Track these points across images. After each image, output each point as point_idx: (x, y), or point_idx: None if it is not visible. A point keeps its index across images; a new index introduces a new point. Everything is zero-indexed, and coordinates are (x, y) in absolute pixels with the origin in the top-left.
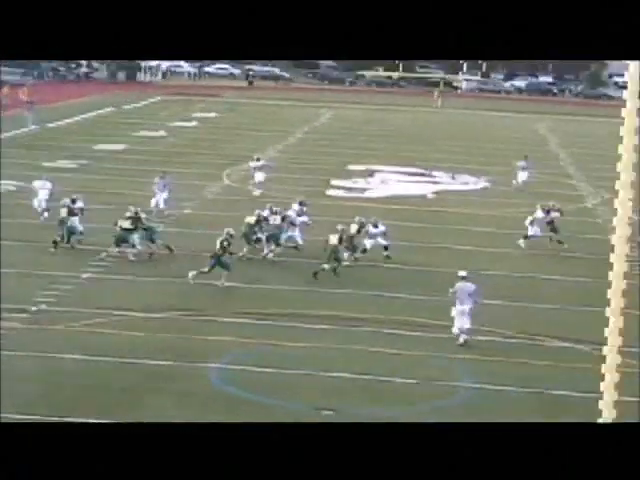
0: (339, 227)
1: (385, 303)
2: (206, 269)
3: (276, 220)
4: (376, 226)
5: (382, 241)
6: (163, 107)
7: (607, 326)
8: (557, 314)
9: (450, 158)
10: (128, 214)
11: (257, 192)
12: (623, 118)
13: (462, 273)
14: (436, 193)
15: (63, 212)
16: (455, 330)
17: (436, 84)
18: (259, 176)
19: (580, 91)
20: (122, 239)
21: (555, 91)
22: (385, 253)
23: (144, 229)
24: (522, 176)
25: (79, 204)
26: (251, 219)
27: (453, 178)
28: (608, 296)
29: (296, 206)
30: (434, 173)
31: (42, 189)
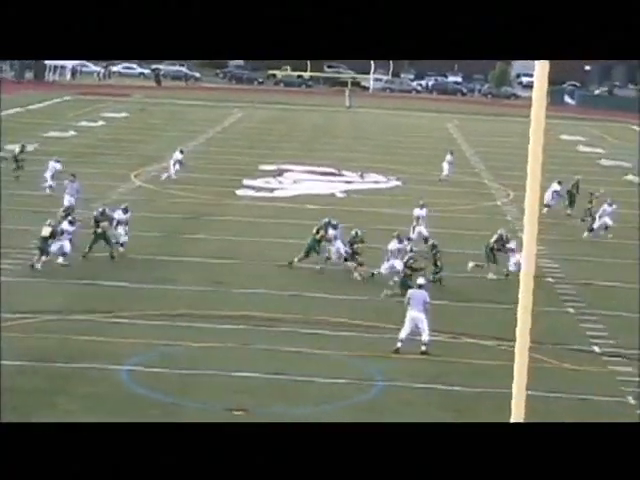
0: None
1: (299, 303)
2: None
3: None
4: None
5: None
6: (72, 107)
7: (515, 325)
8: (469, 311)
9: (360, 157)
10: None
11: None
12: (529, 118)
13: (421, 281)
14: (346, 192)
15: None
16: (401, 335)
17: (345, 84)
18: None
19: (487, 90)
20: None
21: (464, 91)
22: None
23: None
24: (447, 169)
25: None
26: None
27: (362, 177)
28: (519, 295)
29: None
30: (344, 172)
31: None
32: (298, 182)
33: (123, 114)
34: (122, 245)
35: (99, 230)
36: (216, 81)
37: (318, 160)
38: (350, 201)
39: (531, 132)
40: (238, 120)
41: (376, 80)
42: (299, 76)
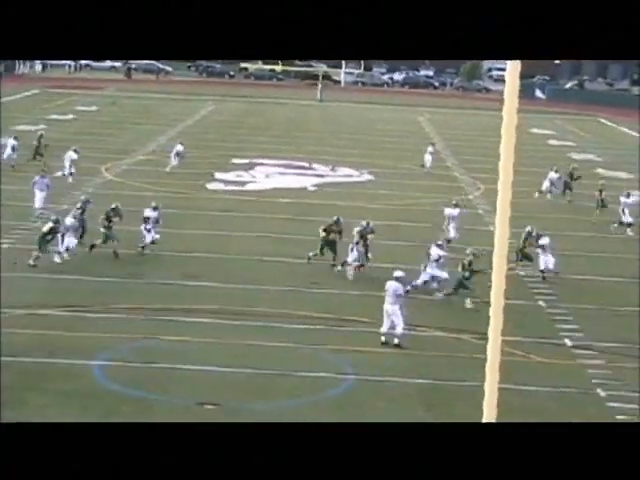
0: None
1: (270, 297)
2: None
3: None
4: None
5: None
6: (43, 100)
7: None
8: (431, 304)
9: (332, 151)
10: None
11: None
12: (501, 111)
13: (398, 273)
14: (317, 186)
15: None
16: (383, 329)
17: (317, 77)
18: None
19: (459, 84)
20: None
21: (436, 84)
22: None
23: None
24: (429, 161)
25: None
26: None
27: (333, 170)
28: (491, 294)
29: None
30: (315, 166)
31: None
32: (270, 176)
33: (94, 107)
34: (154, 242)
35: (110, 225)
36: (188, 74)
37: (290, 154)
38: (322, 195)
39: (502, 132)
40: (210, 113)
41: (348, 74)
42: (271, 69)
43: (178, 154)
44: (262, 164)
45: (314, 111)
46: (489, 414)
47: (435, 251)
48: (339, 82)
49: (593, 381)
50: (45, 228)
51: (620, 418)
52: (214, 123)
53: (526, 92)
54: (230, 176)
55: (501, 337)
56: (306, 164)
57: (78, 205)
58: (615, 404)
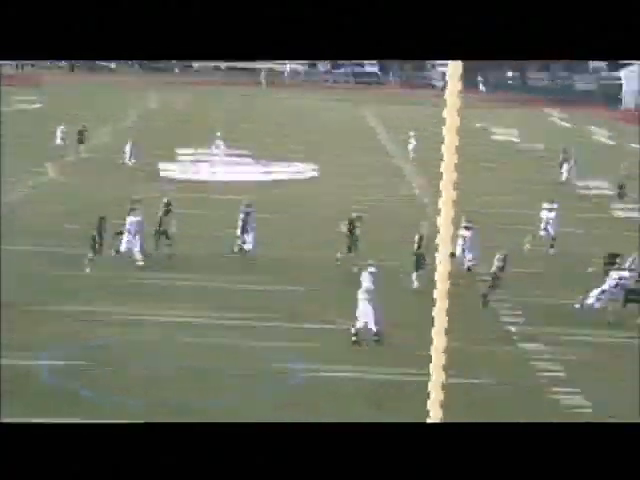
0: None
1: (220, 294)
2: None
3: None
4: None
5: None
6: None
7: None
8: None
9: (277, 146)
10: None
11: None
12: (445, 105)
13: (370, 269)
14: (262, 180)
15: None
16: (355, 327)
17: (262, 72)
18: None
19: (404, 78)
20: None
21: (380, 79)
22: None
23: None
24: (412, 149)
25: None
26: None
27: (278, 165)
28: (434, 293)
29: None
30: (260, 160)
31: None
32: (214, 169)
33: (37, 105)
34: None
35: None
36: (132, 70)
37: (234, 148)
38: (265, 189)
39: (445, 132)
40: (155, 107)
41: (292, 70)
42: (215, 66)
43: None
44: (206, 158)
45: (259, 105)
46: (435, 414)
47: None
48: (284, 76)
49: (532, 364)
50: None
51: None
52: (159, 117)
53: (469, 85)
54: (175, 168)
55: (445, 339)
56: (251, 158)
57: None
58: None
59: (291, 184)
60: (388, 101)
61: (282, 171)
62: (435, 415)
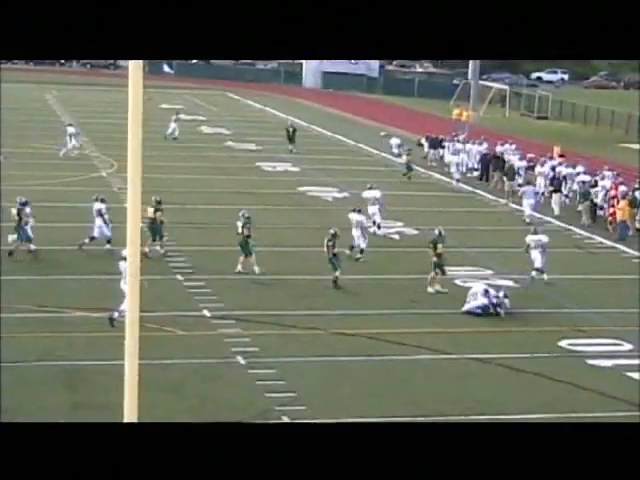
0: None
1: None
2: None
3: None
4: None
5: None
6: None
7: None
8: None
9: None
10: None
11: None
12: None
13: (124, 252)
14: None
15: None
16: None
17: None
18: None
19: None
20: None
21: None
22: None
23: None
24: (174, 127)
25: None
26: None
27: None
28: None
29: None
30: None
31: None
32: None
33: None
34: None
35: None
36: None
37: None
38: None
39: (129, 127)
40: None
41: None
42: None
43: (71, 136)
44: None
45: None
46: (130, 415)
47: None
48: None
49: (233, 349)
50: None
51: (260, 383)
52: None
53: (154, 68)
54: None
55: (137, 346)
56: None
57: None
58: (255, 371)
59: None
60: (70, 82)
61: None
62: (131, 415)
